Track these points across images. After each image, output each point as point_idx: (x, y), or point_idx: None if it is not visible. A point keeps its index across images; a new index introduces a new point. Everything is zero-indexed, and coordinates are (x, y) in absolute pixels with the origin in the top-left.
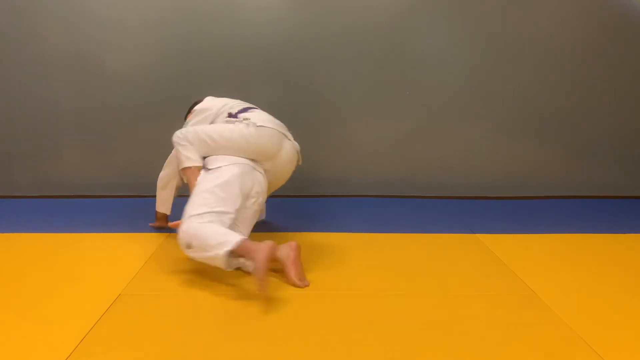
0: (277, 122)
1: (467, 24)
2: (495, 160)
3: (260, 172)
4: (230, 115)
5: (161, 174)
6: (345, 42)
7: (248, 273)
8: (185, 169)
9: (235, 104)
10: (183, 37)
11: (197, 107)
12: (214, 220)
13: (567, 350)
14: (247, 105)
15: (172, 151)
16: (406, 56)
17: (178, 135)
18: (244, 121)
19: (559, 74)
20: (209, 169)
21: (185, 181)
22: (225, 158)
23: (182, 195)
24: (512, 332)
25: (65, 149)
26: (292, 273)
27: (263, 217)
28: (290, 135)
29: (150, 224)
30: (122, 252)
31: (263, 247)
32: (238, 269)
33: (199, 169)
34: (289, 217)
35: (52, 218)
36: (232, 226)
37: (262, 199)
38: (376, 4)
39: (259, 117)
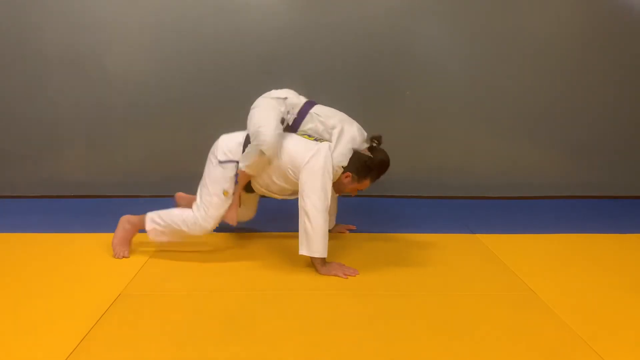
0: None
1: (466, 24)
2: (495, 160)
3: None
4: None
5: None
6: (346, 43)
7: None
8: None
9: None
10: (183, 37)
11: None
12: None
13: (567, 350)
14: None
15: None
16: (406, 57)
17: None
18: None
19: (558, 74)
20: None
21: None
22: None
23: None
24: (511, 331)
25: (65, 149)
26: None
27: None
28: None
29: None
30: None
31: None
32: None
33: None
34: (289, 217)
35: (52, 218)
36: None
37: None
38: (376, 5)
39: None
